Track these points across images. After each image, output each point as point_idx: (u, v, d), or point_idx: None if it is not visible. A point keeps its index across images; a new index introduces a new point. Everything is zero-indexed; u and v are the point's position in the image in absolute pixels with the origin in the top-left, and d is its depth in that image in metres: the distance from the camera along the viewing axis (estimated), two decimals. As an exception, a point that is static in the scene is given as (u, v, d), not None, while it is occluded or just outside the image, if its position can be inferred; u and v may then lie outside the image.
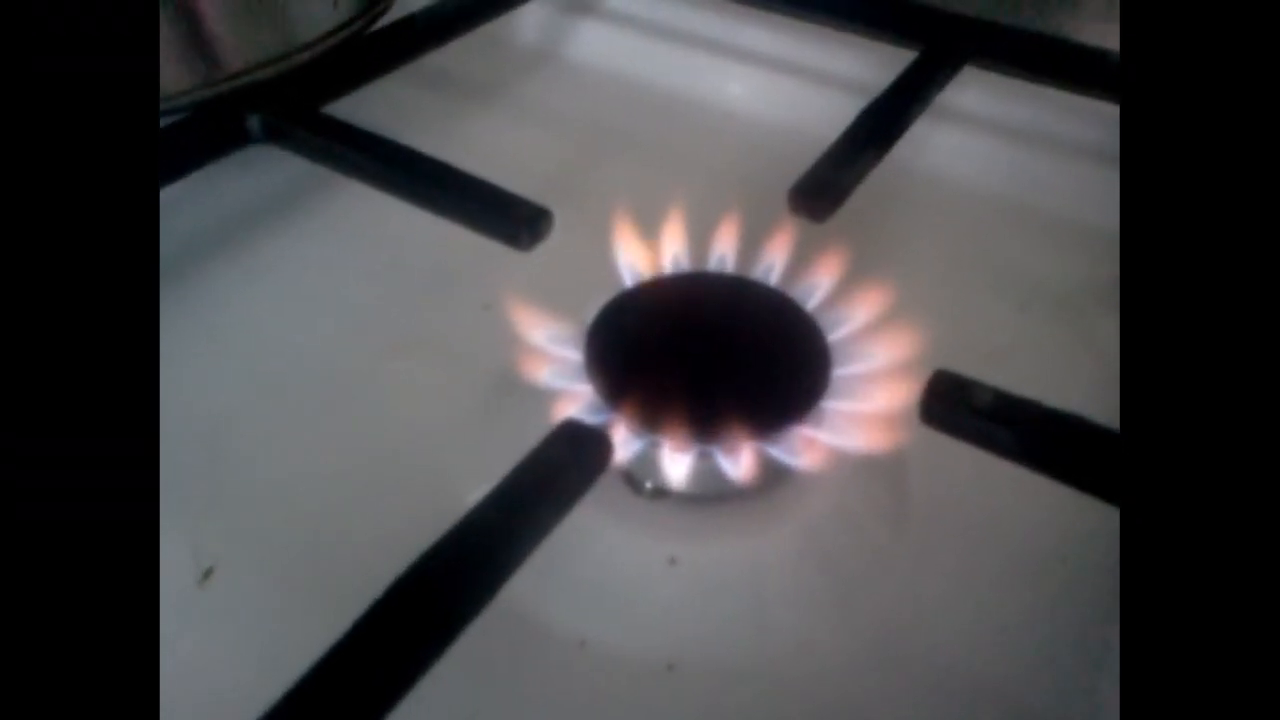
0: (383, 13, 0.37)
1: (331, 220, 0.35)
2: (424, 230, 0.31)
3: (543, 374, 0.26)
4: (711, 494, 0.25)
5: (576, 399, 0.25)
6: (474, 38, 0.41)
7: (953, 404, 0.22)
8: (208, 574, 0.24)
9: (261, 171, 0.34)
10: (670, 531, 0.25)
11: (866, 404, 0.25)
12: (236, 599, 0.24)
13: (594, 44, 0.45)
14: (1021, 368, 0.24)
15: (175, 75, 0.31)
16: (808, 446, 0.24)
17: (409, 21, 0.37)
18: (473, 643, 0.22)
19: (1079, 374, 0.30)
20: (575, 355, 0.26)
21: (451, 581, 0.18)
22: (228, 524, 0.26)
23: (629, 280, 0.28)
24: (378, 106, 0.36)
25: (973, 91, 0.37)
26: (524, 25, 0.46)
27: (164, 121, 0.31)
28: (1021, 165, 0.37)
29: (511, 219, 0.27)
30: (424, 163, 0.29)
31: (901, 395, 0.24)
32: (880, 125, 0.31)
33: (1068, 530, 0.25)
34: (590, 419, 0.23)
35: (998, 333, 0.31)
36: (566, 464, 0.20)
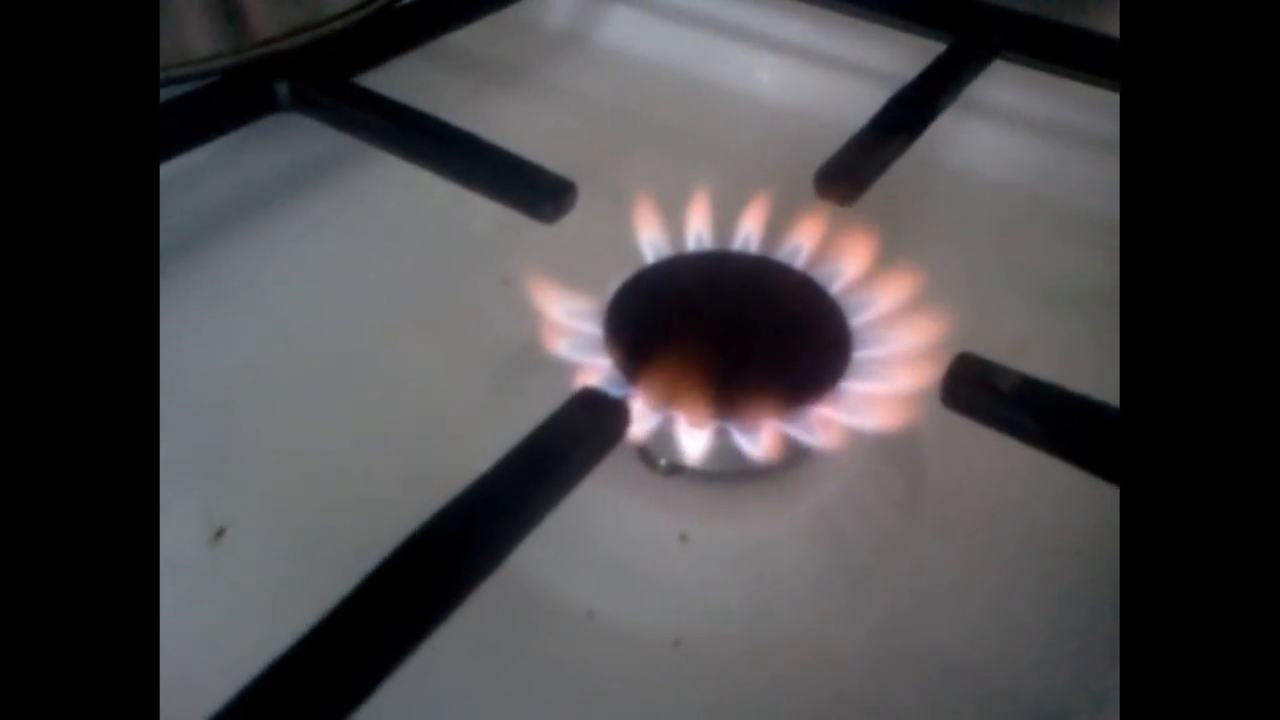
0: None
1: (356, 192, 0.35)
2: (448, 204, 0.31)
3: (562, 347, 0.25)
4: (726, 472, 0.25)
5: (595, 372, 0.25)
6: (503, 20, 0.41)
7: (976, 387, 0.21)
8: (219, 534, 0.24)
9: (288, 141, 0.34)
10: (683, 508, 0.25)
11: (886, 386, 0.24)
12: (248, 559, 0.24)
13: (622, 29, 0.45)
14: (1043, 360, 0.24)
15: (206, 40, 0.31)
16: (826, 426, 0.24)
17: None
18: (482, 609, 0.22)
19: (1100, 368, 0.29)
20: (595, 329, 0.26)
21: (460, 544, 0.18)
22: (241, 486, 0.26)
23: (651, 257, 0.28)
24: (405, 84, 0.36)
25: (1003, 84, 0.37)
26: (553, 9, 0.46)
27: (192, 86, 0.31)
28: (1051, 159, 0.36)
29: (536, 190, 0.27)
30: (450, 133, 0.29)
31: (921, 378, 0.24)
32: (908, 113, 0.31)
33: (1082, 522, 0.24)
34: (611, 391, 0.23)
35: (1020, 324, 0.31)
36: (583, 431, 0.20)
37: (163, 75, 0.30)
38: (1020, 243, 0.34)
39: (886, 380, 0.25)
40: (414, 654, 0.18)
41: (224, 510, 0.25)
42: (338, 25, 0.33)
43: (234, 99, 0.31)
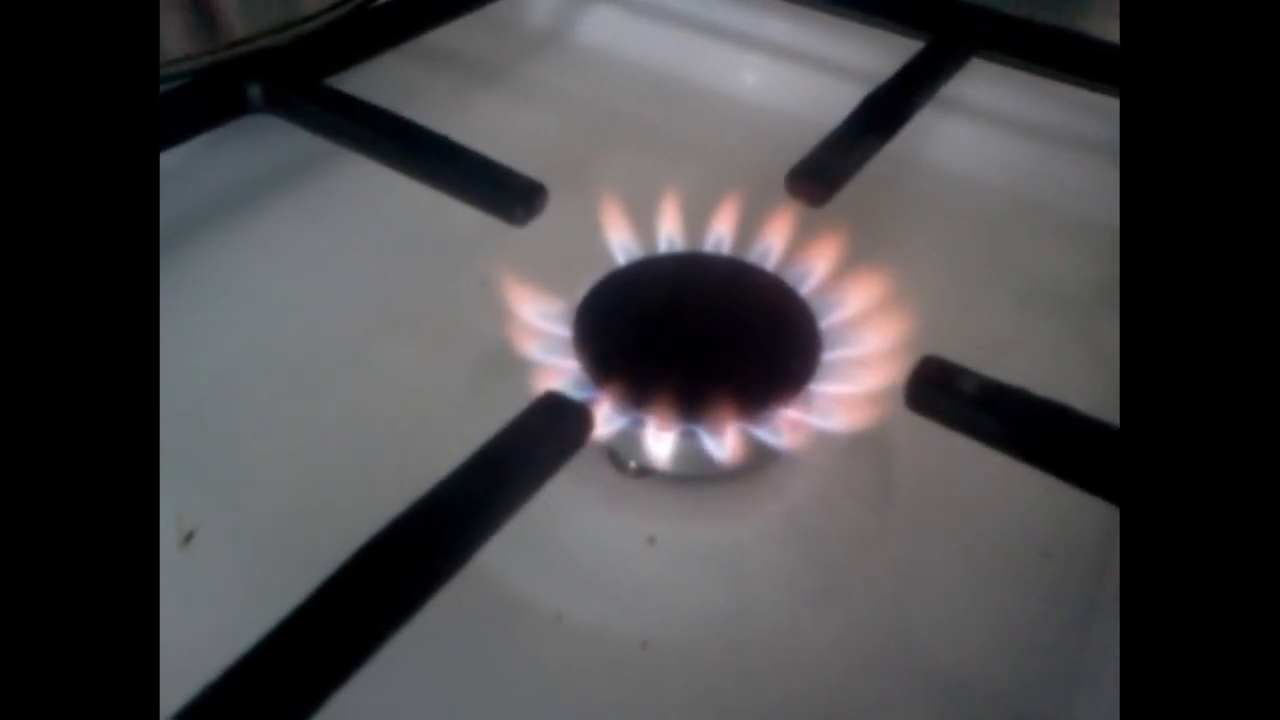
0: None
1: (330, 194, 0.35)
2: (422, 206, 0.31)
3: (531, 349, 0.25)
4: (694, 475, 0.25)
5: (563, 374, 0.25)
6: (483, 18, 0.41)
7: (939, 389, 0.21)
8: (189, 537, 0.24)
9: (261, 143, 0.34)
10: (651, 511, 0.25)
11: (855, 388, 0.24)
12: (216, 562, 0.24)
13: (602, 27, 0.45)
14: (1019, 362, 0.24)
15: (177, 41, 0.31)
16: (793, 428, 0.24)
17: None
18: (451, 610, 0.22)
19: (1077, 370, 0.29)
20: (564, 331, 0.26)
21: (422, 545, 0.18)
22: (211, 489, 0.25)
23: (622, 259, 0.28)
24: (383, 83, 0.36)
25: (980, 83, 0.37)
26: (533, 7, 0.46)
27: (165, 87, 0.31)
28: (1028, 159, 0.37)
29: (506, 193, 0.27)
30: (422, 135, 0.29)
31: (891, 380, 0.24)
32: (882, 113, 0.31)
33: (1054, 524, 0.25)
34: (575, 394, 0.23)
35: (996, 326, 0.31)
36: (545, 435, 0.20)
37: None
38: (998, 243, 0.34)
39: (856, 382, 0.25)
40: (376, 655, 0.18)
41: (193, 513, 0.25)
42: (311, 26, 0.33)
43: (206, 100, 0.31)
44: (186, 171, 0.33)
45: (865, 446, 0.26)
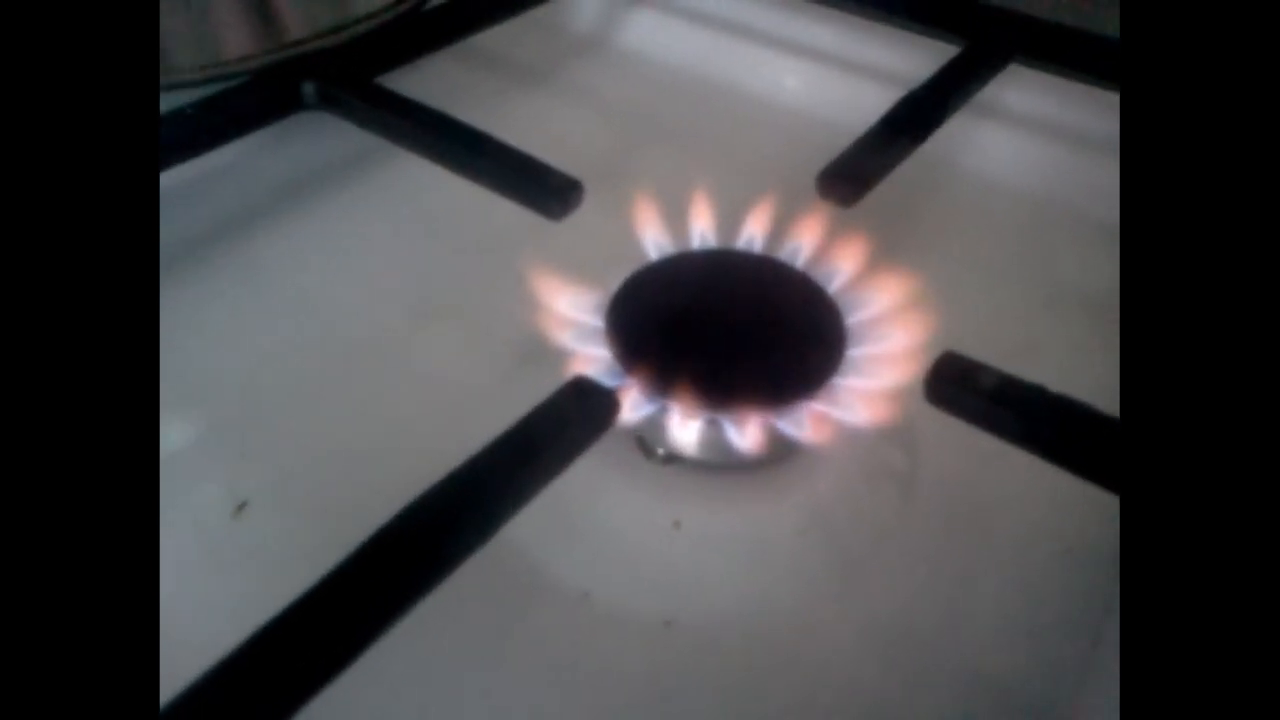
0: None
1: (378, 189, 0.36)
2: (465, 202, 0.32)
3: (565, 337, 0.26)
4: (720, 463, 0.25)
5: (594, 362, 0.26)
6: (526, 22, 0.42)
7: (958, 385, 0.22)
8: (241, 508, 0.26)
9: (314, 140, 0.36)
10: (677, 497, 0.25)
11: (879, 383, 0.25)
12: (266, 530, 0.25)
13: (641, 32, 0.46)
14: (1044, 363, 0.24)
15: (237, 41, 0.33)
16: (816, 422, 0.25)
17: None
18: (482, 586, 0.23)
19: (1101, 373, 0.29)
20: (598, 322, 0.26)
21: (450, 518, 0.19)
22: (263, 464, 0.27)
23: (654, 254, 0.29)
24: (432, 83, 0.38)
25: (1017, 88, 0.37)
26: (577, 12, 0.47)
27: (223, 86, 0.32)
28: (1062, 164, 0.37)
29: (545, 188, 0.28)
30: (465, 132, 0.30)
31: (914, 376, 0.24)
32: (916, 116, 0.31)
33: (1073, 520, 0.25)
34: (605, 381, 0.24)
35: (1023, 327, 0.31)
36: (573, 417, 0.21)
37: (197, 75, 0.32)
38: (1029, 247, 0.35)
39: (880, 378, 0.25)
40: (407, 625, 0.19)
41: (246, 486, 0.26)
42: (364, 27, 0.34)
43: (263, 98, 0.32)
44: (243, 166, 0.35)
45: (889, 442, 0.27)
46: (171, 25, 0.31)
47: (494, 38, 0.42)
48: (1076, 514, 0.25)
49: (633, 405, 0.24)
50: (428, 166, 0.32)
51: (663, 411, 0.24)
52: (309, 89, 0.32)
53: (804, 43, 0.43)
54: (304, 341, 0.30)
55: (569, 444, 0.20)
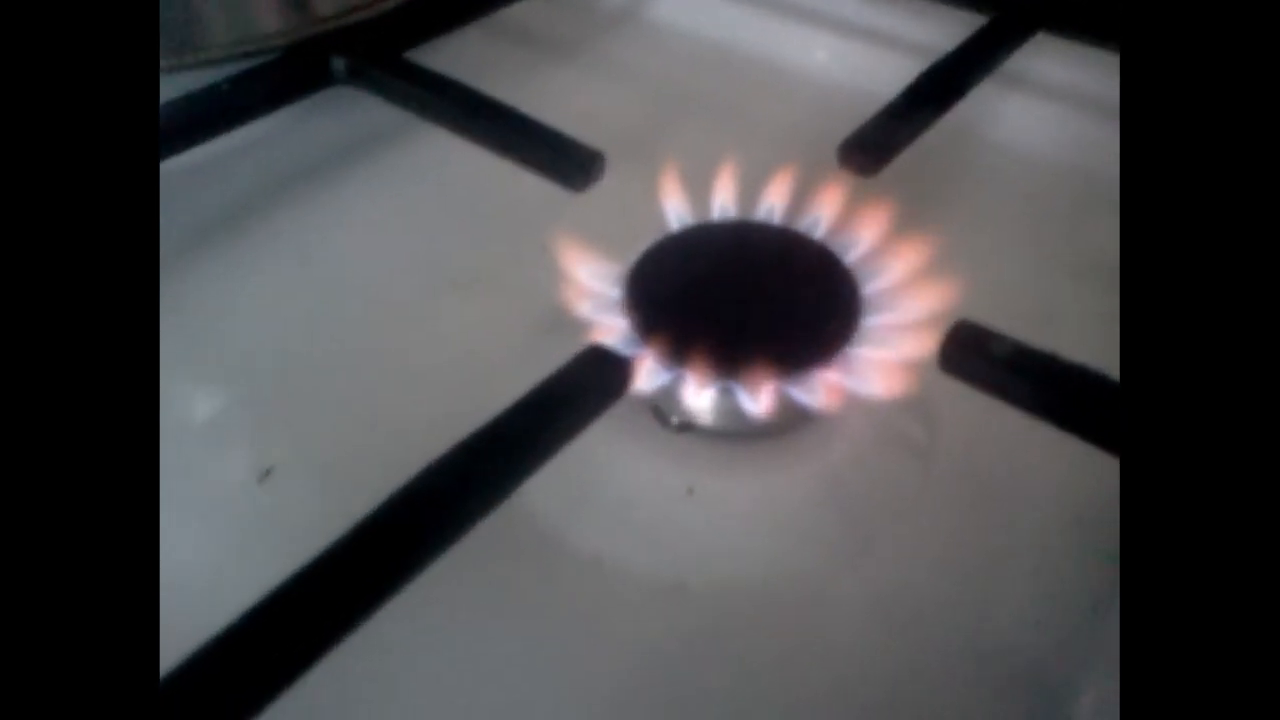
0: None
1: (405, 163, 0.36)
2: (491, 176, 0.33)
3: (584, 307, 0.27)
4: (734, 431, 0.26)
5: (612, 332, 0.26)
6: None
7: (972, 353, 0.22)
8: (267, 473, 0.27)
9: (343, 114, 0.36)
10: (692, 464, 0.26)
11: (893, 352, 0.25)
12: (291, 495, 0.26)
13: (673, 6, 0.46)
14: (1064, 333, 0.24)
15: (269, 18, 0.33)
16: (828, 390, 0.25)
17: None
18: (497, 550, 0.24)
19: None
20: (616, 292, 0.27)
21: (465, 479, 0.19)
22: (288, 429, 0.28)
23: (675, 225, 0.29)
24: (462, 58, 0.38)
25: (1044, 58, 0.37)
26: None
27: (256, 62, 0.33)
28: (1090, 135, 0.36)
29: (567, 160, 0.28)
30: (489, 106, 0.30)
31: (929, 346, 0.24)
32: (940, 86, 0.31)
33: (1086, 491, 0.25)
34: (622, 349, 0.25)
35: (1045, 298, 0.31)
36: (588, 383, 0.21)
37: (230, 51, 0.33)
38: (1054, 218, 0.34)
39: (895, 347, 0.25)
40: (423, 586, 0.20)
41: (272, 452, 0.27)
42: (393, 3, 0.35)
43: (294, 73, 0.33)
44: (274, 140, 0.35)
45: (905, 412, 0.27)
46: (203, 2, 0.32)
47: (524, 11, 0.42)
48: (1091, 486, 0.25)
49: (648, 374, 0.24)
50: (455, 141, 0.32)
51: (678, 380, 0.25)
52: (339, 64, 0.33)
53: (832, 14, 0.43)
54: (329, 312, 0.31)
55: (583, 410, 0.21)
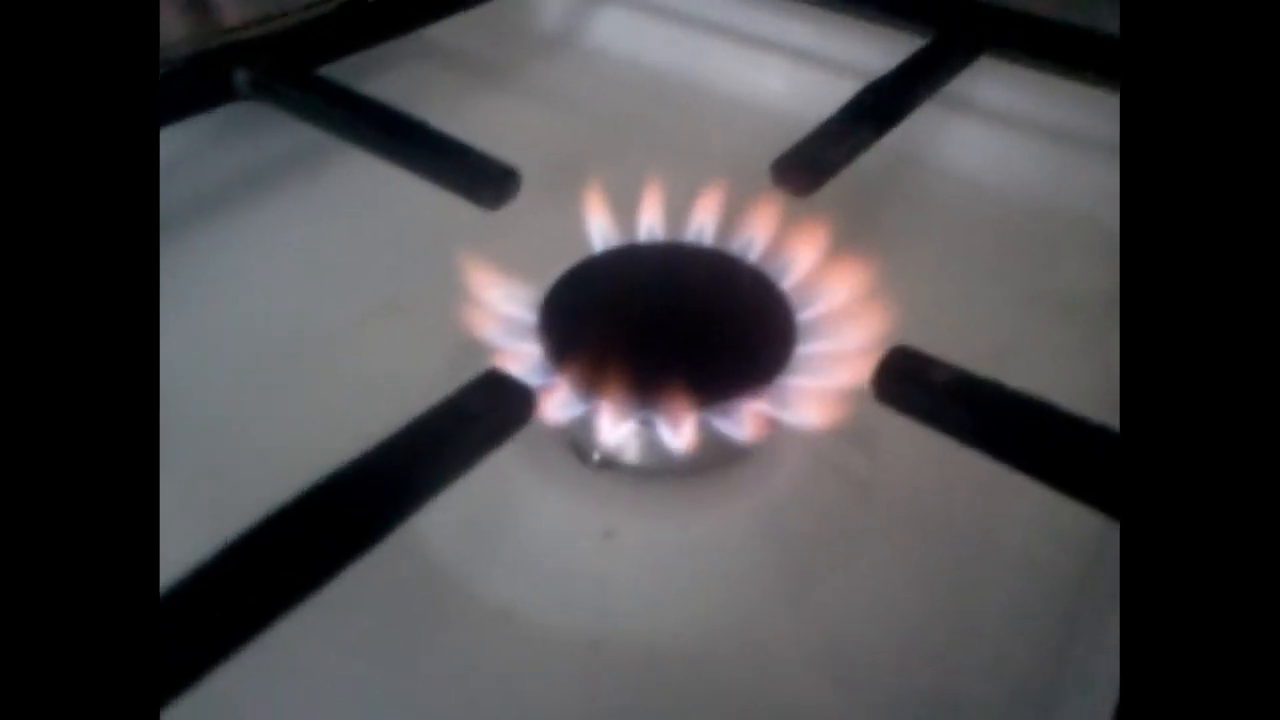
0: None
1: (317, 186, 0.34)
2: (408, 197, 0.31)
3: (493, 332, 0.25)
4: (658, 468, 0.23)
5: (522, 358, 0.24)
6: (483, 16, 0.41)
7: (909, 380, 0.20)
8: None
9: (251, 134, 0.34)
10: (611, 504, 0.23)
11: (829, 382, 0.23)
12: (177, 528, 0.23)
13: (604, 28, 0.44)
14: (1019, 366, 0.22)
15: (168, 27, 0.31)
16: (758, 421, 0.23)
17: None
18: (394, 597, 0.22)
19: (1079, 375, 0.27)
20: (529, 316, 0.25)
21: (333, 517, 0.17)
22: (178, 464, 0.25)
23: (599, 246, 0.27)
24: (383, 79, 0.36)
25: (989, 82, 0.35)
26: (531, 6, 0.46)
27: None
28: (1039, 161, 0.35)
29: (480, 176, 0.26)
30: (399, 121, 0.28)
31: (866, 376, 0.22)
32: (880, 105, 0.30)
33: (1040, 530, 0.23)
34: (529, 376, 0.22)
35: (996, 329, 0.29)
36: (481, 412, 0.19)
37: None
38: (1004, 246, 0.33)
39: (831, 376, 0.23)
40: (298, 626, 0.17)
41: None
42: (303, 16, 0.33)
43: (194, 86, 0.30)
44: (181, 161, 0.33)
45: (844, 446, 0.25)
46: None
47: (453, 35, 0.40)
48: (1040, 520, 0.23)
49: (559, 404, 0.22)
50: (370, 163, 0.30)
51: (593, 411, 0.23)
52: (241, 77, 0.30)
53: (771, 38, 0.42)
54: (233, 339, 0.29)
55: (475, 440, 0.18)
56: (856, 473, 0.25)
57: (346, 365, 0.28)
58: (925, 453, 0.23)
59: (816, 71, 0.40)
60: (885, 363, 0.20)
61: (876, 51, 0.38)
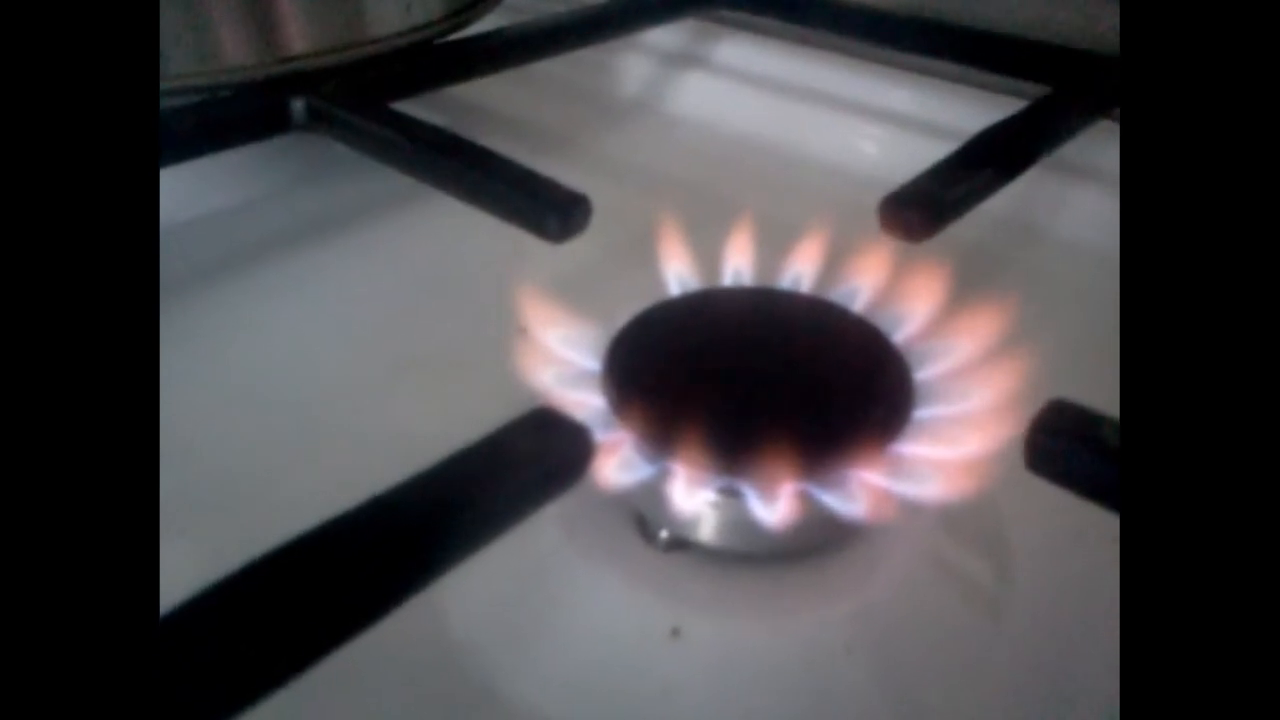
0: (464, 25, 0.35)
1: (369, 228, 0.32)
2: (464, 240, 0.28)
3: (550, 380, 0.21)
4: (739, 551, 0.19)
5: (582, 410, 0.20)
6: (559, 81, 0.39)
7: (1073, 443, 0.15)
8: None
9: (304, 171, 0.32)
10: (681, 595, 0.19)
11: (954, 451, 0.19)
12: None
13: (692, 96, 0.42)
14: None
15: (226, 51, 0.29)
16: (871, 495, 0.18)
17: (490, 36, 0.34)
18: (422, 700, 0.18)
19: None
20: (594, 362, 0.21)
21: (330, 573, 0.13)
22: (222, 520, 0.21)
23: (675, 289, 0.23)
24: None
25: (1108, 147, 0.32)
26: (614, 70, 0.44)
27: (203, 98, 0.29)
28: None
29: (544, 204, 0.23)
30: (457, 145, 0.25)
31: (999, 438, 0.18)
32: (1001, 149, 0.26)
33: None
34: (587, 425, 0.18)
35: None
36: (527, 456, 0.15)
37: (170, 84, 0.28)
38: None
39: (956, 444, 0.19)
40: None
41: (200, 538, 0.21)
42: (366, 52, 0.31)
43: (245, 112, 0.28)
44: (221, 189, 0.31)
45: (972, 526, 0.20)
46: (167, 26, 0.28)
47: (525, 99, 0.38)
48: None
49: (622, 464, 0.18)
50: (426, 205, 0.27)
51: (663, 474, 0.18)
52: (298, 105, 0.28)
53: (876, 105, 0.38)
54: (269, 391, 0.26)
55: (515, 491, 0.14)
56: (987, 562, 0.20)
57: (383, 418, 0.24)
58: (1074, 546, 0.18)
59: (913, 137, 0.37)
60: (1041, 418, 0.16)
61: (981, 118, 0.35)
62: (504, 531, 0.15)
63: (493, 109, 0.42)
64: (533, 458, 0.15)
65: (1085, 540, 0.20)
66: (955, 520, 0.20)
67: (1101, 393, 0.21)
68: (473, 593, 0.20)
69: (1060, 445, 0.15)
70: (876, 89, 0.39)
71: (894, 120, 0.38)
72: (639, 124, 0.41)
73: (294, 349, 0.27)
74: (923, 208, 0.23)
